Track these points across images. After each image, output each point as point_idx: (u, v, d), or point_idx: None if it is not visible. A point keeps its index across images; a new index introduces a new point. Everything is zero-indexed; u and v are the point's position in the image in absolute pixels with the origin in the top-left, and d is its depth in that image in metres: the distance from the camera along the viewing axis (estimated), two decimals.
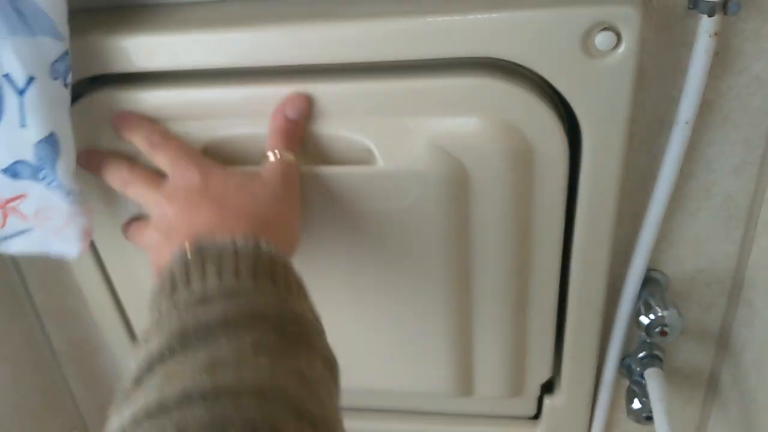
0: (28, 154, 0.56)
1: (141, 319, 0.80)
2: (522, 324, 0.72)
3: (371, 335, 0.75)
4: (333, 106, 0.59)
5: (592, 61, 0.54)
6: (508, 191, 0.61)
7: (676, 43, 0.59)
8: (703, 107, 0.60)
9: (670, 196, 0.64)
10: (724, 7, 0.52)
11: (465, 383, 0.77)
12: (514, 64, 0.56)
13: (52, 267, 0.83)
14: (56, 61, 0.53)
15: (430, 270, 0.67)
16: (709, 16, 0.53)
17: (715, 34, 0.54)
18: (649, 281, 0.73)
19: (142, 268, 0.71)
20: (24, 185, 0.59)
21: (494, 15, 0.53)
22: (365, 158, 0.61)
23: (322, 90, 0.59)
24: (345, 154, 0.61)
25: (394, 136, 0.59)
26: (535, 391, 0.80)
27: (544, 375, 0.78)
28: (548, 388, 0.82)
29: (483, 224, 0.64)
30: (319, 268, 0.69)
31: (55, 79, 0.53)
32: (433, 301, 0.69)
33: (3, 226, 0.62)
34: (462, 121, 0.58)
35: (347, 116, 0.60)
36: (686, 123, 0.59)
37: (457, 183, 0.61)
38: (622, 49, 0.53)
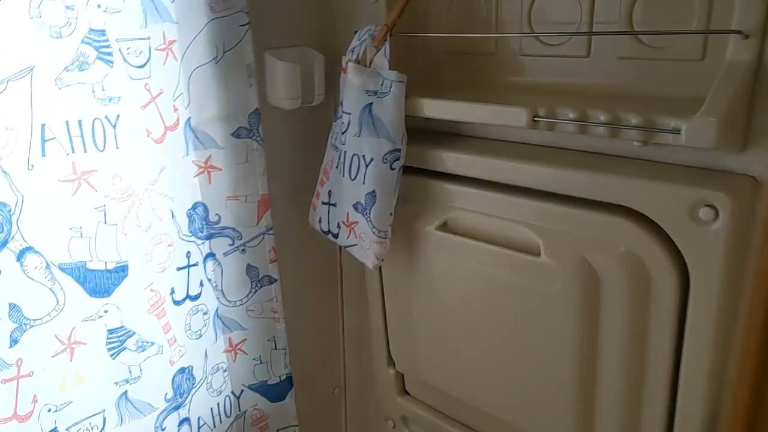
0: (361, 199, 1.06)
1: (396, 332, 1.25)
2: (636, 410, 0.90)
3: (507, 370, 1.02)
4: (534, 216, 0.93)
5: (698, 227, 0.76)
6: (627, 302, 0.85)
7: None
8: None
9: None
10: None
11: None
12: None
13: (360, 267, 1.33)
14: (387, 153, 1.01)
15: (563, 341, 0.93)
16: None
17: None
18: None
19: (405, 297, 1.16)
20: (358, 216, 1.10)
21: (633, 180, 0.81)
22: (535, 250, 0.93)
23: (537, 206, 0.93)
24: (521, 244, 0.95)
25: (559, 242, 0.90)
26: None
27: None
28: None
29: (607, 323, 0.88)
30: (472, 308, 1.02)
31: (384, 162, 1.02)
32: (558, 362, 0.95)
33: (348, 237, 1.13)
34: (604, 245, 0.86)
35: (538, 224, 0.93)
36: None
37: (592, 286, 0.87)
38: (719, 222, 0.74)
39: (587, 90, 0.95)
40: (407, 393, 1.34)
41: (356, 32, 1.09)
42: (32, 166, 0.85)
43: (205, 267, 1.13)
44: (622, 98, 0.88)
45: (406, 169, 1.06)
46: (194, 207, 1.08)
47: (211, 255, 1.13)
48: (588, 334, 0.91)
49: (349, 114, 1.06)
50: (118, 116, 0.92)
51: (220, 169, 1.08)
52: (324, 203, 1.17)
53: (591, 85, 0.95)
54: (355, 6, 1.17)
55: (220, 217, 1.12)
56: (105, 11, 0.87)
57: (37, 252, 0.89)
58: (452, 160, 1.03)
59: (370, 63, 1.05)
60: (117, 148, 0.93)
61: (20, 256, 0.87)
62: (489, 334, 1.06)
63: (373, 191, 1.04)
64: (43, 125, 0.85)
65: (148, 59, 0.94)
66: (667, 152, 0.83)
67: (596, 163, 0.87)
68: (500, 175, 0.97)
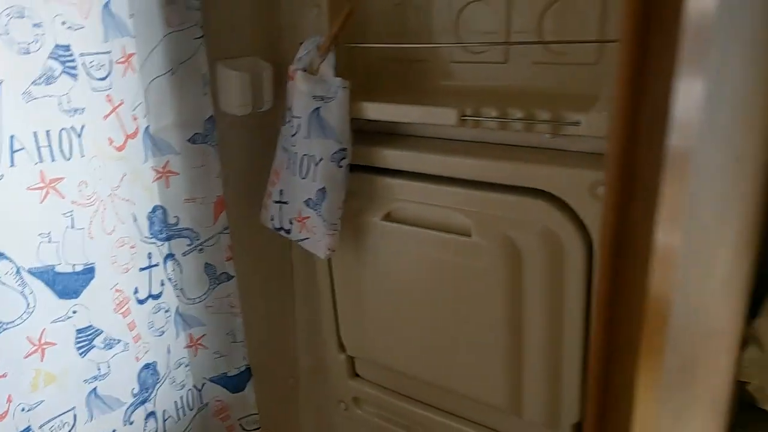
0: (312, 195, 1.17)
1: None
2: (557, 365, 1.06)
3: (448, 341, 1.16)
4: (465, 203, 1.07)
5: (597, 203, 0.92)
6: (545, 271, 1.00)
7: None
8: None
9: None
10: None
11: (512, 401, 1.12)
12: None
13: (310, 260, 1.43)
14: (335, 152, 1.13)
15: (489, 306, 1.08)
16: None
17: None
18: None
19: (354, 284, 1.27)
20: (310, 212, 1.20)
21: (545, 167, 0.96)
22: (467, 232, 1.07)
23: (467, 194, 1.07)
24: (455, 227, 1.09)
25: (486, 224, 1.05)
26: (567, 430, 1.10)
27: (574, 416, 1.08)
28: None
29: (529, 291, 1.03)
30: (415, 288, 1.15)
31: (332, 161, 1.13)
32: (491, 329, 1.09)
33: (300, 231, 1.23)
34: (524, 223, 1.01)
35: (469, 209, 1.07)
36: None
37: (516, 259, 1.02)
38: None
39: (507, 91, 1.11)
40: (357, 375, 1.46)
41: (302, 43, 1.19)
42: (1, 175, 0.91)
43: (165, 267, 1.20)
44: (536, 97, 1.04)
45: (353, 167, 1.17)
46: (154, 210, 1.15)
47: (170, 255, 1.20)
48: (513, 301, 1.06)
49: (299, 118, 1.17)
50: (83, 126, 0.98)
51: (178, 174, 1.16)
52: (275, 202, 1.26)
53: (510, 87, 1.11)
54: (299, 18, 1.28)
55: (178, 219, 1.19)
56: (69, 27, 0.94)
57: (7, 258, 0.94)
58: (393, 157, 1.16)
59: (317, 71, 1.16)
60: (82, 156, 0.99)
61: None
62: (430, 311, 1.19)
63: (323, 188, 1.15)
64: (11, 136, 0.91)
65: (109, 72, 1.01)
66: (571, 142, 0.99)
67: (515, 154, 1.02)
68: (435, 168, 1.10)
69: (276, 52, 1.31)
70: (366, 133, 1.21)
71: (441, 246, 1.12)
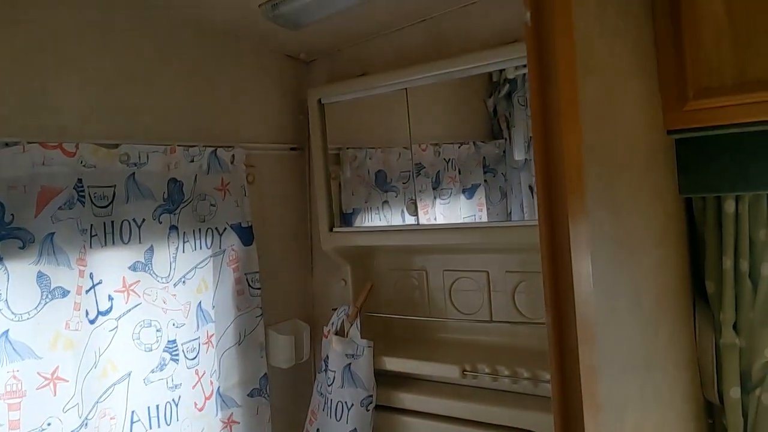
0: None
1: None
2: None
3: None
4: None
5: None
6: None
7: None
8: None
9: None
10: None
11: None
12: None
13: None
14: (363, 399, 1.44)
15: None
16: None
17: None
18: None
19: None
20: None
21: (528, 412, 1.29)
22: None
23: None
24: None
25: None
26: None
27: None
28: None
29: None
30: None
31: (361, 406, 1.44)
32: None
33: None
34: None
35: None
36: None
37: None
38: None
39: (493, 345, 1.47)
40: None
41: (335, 310, 1.57)
42: None
43: None
44: (518, 353, 1.40)
45: (377, 407, 1.48)
46: None
47: None
48: None
49: (334, 371, 1.50)
50: (179, 397, 1.29)
51: (239, 422, 1.45)
52: None
53: (495, 342, 1.47)
54: (329, 288, 1.67)
55: None
56: (176, 326, 1.29)
57: None
58: (408, 400, 1.48)
59: (347, 333, 1.52)
60: (177, 420, 1.29)
61: None
62: None
63: (354, 429, 1.44)
64: (132, 411, 1.21)
65: (198, 352, 1.35)
66: (548, 391, 1.33)
67: (506, 399, 1.35)
68: (442, 410, 1.42)
69: (311, 314, 1.69)
70: (388, 375, 1.54)
71: None
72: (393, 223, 1.62)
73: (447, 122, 1.74)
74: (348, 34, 1.55)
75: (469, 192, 1.64)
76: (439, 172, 1.64)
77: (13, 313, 1.01)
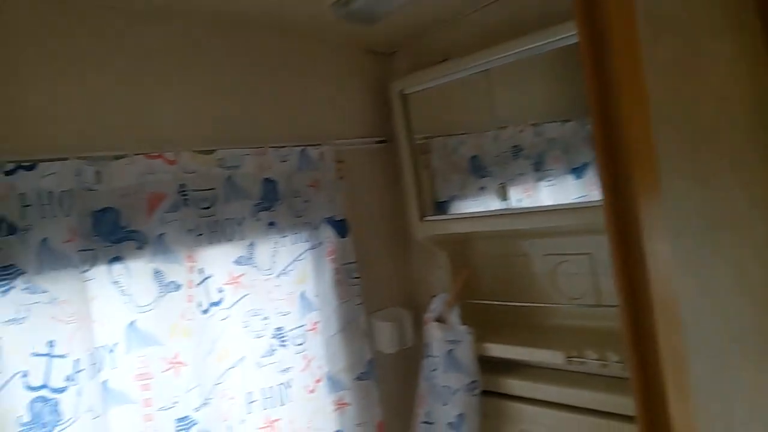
0: (453, 419, 1.47)
1: None
2: None
3: None
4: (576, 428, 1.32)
5: None
6: None
7: None
8: None
9: None
10: None
11: None
12: None
13: None
14: (467, 384, 1.44)
15: None
16: None
17: None
18: None
19: None
20: None
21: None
22: None
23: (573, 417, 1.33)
24: None
25: None
26: None
27: None
28: None
29: None
30: None
31: (466, 391, 1.44)
32: None
33: None
34: None
35: None
36: None
37: None
38: None
39: (600, 330, 1.39)
40: None
41: (434, 296, 1.59)
42: (243, 420, 1.32)
43: None
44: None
45: (487, 392, 1.48)
46: None
47: None
48: None
49: (437, 357, 1.52)
50: (290, 380, 1.40)
51: (349, 404, 1.52)
52: (423, 422, 1.57)
53: (603, 327, 1.39)
54: (429, 275, 1.69)
55: None
56: (282, 315, 1.40)
57: None
58: (514, 386, 1.45)
59: (447, 320, 1.53)
60: (291, 401, 1.39)
61: None
62: None
63: (461, 414, 1.45)
64: (249, 393, 1.33)
65: (305, 338, 1.44)
66: None
67: (616, 386, 1.28)
68: (548, 396, 1.38)
69: (413, 301, 1.72)
70: (492, 361, 1.53)
71: None
72: (492, 208, 1.59)
73: (548, 100, 1.66)
74: (425, 22, 1.55)
75: (578, 171, 1.56)
76: (541, 152, 1.57)
77: (137, 305, 1.16)
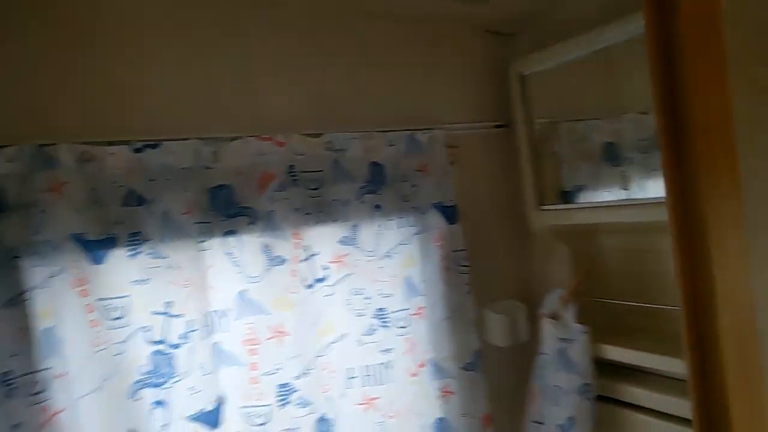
0: (563, 421, 1.38)
1: None
2: None
3: None
4: None
5: None
6: None
7: None
8: None
9: None
10: None
11: None
12: None
13: None
14: (580, 386, 1.34)
15: None
16: None
17: None
18: None
19: None
20: None
21: None
22: None
23: None
24: None
25: None
26: None
27: None
28: None
29: None
30: None
31: (579, 393, 1.34)
32: None
33: None
34: None
35: None
36: None
37: None
38: None
39: None
40: None
41: (548, 292, 1.50)
42: (343, 395, 1.36)
43: None
44: None
45: (603, 398, 1.36)
46: (438, 421, 1.49)
47: None
48: None
49: (548, 355, 1.43)
50: (391, 360, 1.41)
51: (453, 393, 1.50)
52: (533, 422, 1.50)
53: None
54: (548, 268, 1.60)
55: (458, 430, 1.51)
56: (384, 296, 1.42)
57: None
58: (635, 393, 1.32)
59: (561, 317, 1.43)
60: (391, 382, 1.41)
61: None
62: None
63: (572, 416, 1.35)
64: (349, 368, 1.37)
65: (408, 322, 1.45)
66: None
67: None
68: (671, 409, 1.23)
69: (530, 295, 1.64)
70: (613, 366, 1.40)
71: None
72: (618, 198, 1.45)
73: None
74: None
75: None
76: None
77: (248, 276, 1.25)
